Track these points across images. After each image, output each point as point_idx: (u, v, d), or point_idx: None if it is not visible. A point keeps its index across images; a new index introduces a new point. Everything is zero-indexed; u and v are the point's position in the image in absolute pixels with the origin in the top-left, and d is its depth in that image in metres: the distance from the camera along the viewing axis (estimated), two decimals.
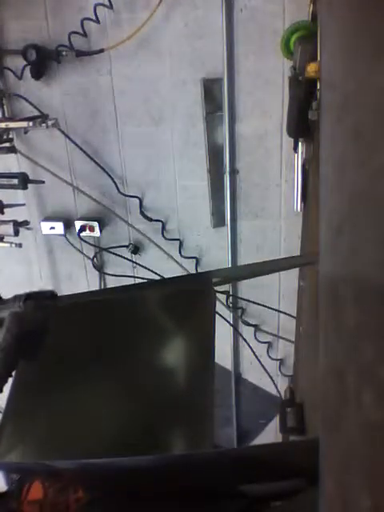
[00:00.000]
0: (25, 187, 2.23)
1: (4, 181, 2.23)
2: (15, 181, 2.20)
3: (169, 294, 1.28)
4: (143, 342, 1.19)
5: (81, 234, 2.60)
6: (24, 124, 2.15)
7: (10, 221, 2.33)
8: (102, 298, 1.39)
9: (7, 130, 2.25)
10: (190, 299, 1.25)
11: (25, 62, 2.27)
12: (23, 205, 2.48)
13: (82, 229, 2.59)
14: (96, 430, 1.03)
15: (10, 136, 2.34)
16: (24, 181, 2.22)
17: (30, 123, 2.13)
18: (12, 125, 2.19)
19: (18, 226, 2.34)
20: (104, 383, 1.12)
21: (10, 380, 1.06)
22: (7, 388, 1.06)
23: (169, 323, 1.24)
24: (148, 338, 1.19)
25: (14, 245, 2.39)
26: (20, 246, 2.41)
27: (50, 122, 2.17)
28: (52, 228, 2.62)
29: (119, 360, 1.16)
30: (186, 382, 1.09)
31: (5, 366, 0.95)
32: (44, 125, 2.15)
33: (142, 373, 1.13)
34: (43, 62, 2.28)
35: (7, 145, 2.30)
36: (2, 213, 2.30)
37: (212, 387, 1.05)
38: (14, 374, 1.08)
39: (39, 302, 1.05)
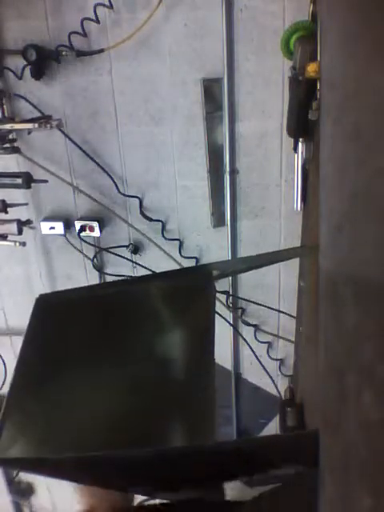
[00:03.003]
0: (28, 186, 2.25)
1: (7, 180, 2.24)
2: (19, 180, 2.22)
3: (168, 288, 1.28)
4: (142, 336, 1.19)
5: (81, 234, 2.60)
6: (29, 125, 2.16)
7: (13, 220, 2.34)
8: (101, 292, 1.39)
9: (11, 130, 2.25)
10: (189, 293, 1.25)
11: (25, 62, 2.27)
12: (26, 204, 2.49)
13: (82, 229, 2.59)
14: (96, 426, 1.03)
15: (13, 136, 2.35)
16: (27, 180, 2.23)
17: (36, 125, 2.14)
18: (17, 126, 2.20)
19: (21, 224, 2.35)
20: (103, 378, 1.12)
21: (11, 374, 1.07)
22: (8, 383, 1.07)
23: (168, 318, 1.24)
24: (147, 333, 1.19)
25: (17, 243, 2.39)
26: (24, 244, 2.42)
27: (54, 123, 2.18)
28: (52, 228, 2.62)
29: (119, 355, 1.17)
30: (187, 378, 1.09)
31: None
32: (48, 126, 2.15)
33: (142, 368, 1.14)
34: (43, 61, 2.27)
35: (9, 145, 2.31)
36: (6, 212, 2.31)
37: (213, 382, 1.05)
38: (14, 367, 1.09)
39: None
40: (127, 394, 1.09)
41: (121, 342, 1.19)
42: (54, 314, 1.26)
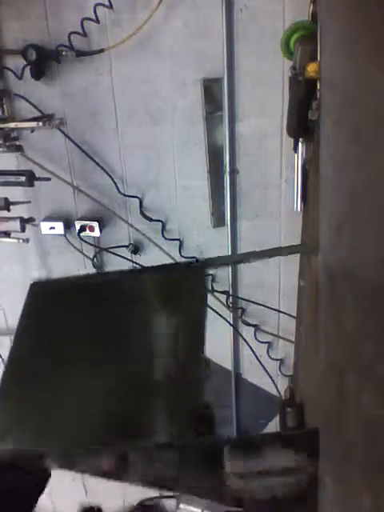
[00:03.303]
0: (31, 184, 2.27)
1: (11, 178, 2.25)
2: (22, 178, 2.23)
3: (159, 279, 1.29)
4: (134, 325, 1.20)
5: (81, 234, 2.60)
6: (32, 124, 2.17)
7: (16, 217, 2.36)
8: (93, 281, 1.41)
9: (14, 129, 2.27)
10: (180, 283, 1.27)
11: (25, 62, 2.27)
12: (29, 202, 2.49)
13: (82, 229, 2.59)
14: (88, 413, 1.04)
15: (15, 135, 2.36)
16: (30, 178, 2.25)
17: (39, 123, 2.15)
18: (21, 125, 2.21)
19: (24, 222, 2.37)
20: (96, 367, 1.13)
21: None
22: None
23: (160, 306, 1.25)
24: (139, 322, 1.21)
25: (21, 240, 2.41)
26: (27, 241, 2.43)
27: (56, 122, 2.19)
28: (52, 228, 2.62)
29: (111, 344, 1.18)
30: (177, 364, 1.10)
31: None
32: (51, 124, 2.17)
33: (134, 357, 1.15)
34: (43, 61, 2.27)
35: (11, 143, 2.32)
36: (8, 210, 2.32)
37: (203, 375, 1.06)
38: (6, 358, 1.10)
39: None
40: (119, 382, 1.10)
41: (112, 331, 1.20)
42: (47, 303, 1.27)
